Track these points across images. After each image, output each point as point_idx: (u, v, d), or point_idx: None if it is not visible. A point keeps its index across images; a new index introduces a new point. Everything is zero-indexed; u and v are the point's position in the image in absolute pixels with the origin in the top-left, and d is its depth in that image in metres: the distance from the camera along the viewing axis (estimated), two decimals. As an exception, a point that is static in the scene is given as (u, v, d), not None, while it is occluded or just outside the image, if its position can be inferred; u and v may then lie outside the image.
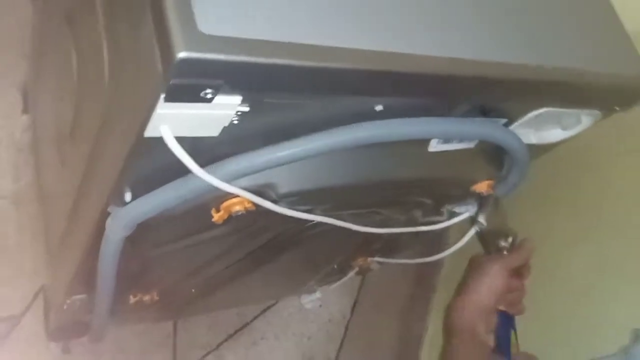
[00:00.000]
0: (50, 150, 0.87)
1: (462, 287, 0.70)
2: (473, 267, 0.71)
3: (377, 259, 0.96)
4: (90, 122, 0.56)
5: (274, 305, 1.25)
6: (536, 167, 0.72)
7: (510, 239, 0.74)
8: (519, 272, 0.72)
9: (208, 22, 0.35)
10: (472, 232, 0.76)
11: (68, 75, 0.66)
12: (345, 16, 0.43)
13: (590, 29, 0.63)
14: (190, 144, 0.43)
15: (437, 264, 1.46)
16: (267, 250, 0.72)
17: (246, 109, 0.42)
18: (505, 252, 0.72)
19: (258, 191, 0.52)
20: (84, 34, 0.56)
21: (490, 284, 0.69)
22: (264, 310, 1.24)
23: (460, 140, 0.62)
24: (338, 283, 1.09)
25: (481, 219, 0.74)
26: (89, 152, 0.55)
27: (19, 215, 1.05)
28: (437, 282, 1.45)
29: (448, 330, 0.69)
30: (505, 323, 0.72)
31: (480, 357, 0.67)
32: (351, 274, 1.03)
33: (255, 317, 1.23)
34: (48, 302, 0.94)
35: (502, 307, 0.72)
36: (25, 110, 1.09)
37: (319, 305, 1.19)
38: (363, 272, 1.07)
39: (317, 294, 1.16)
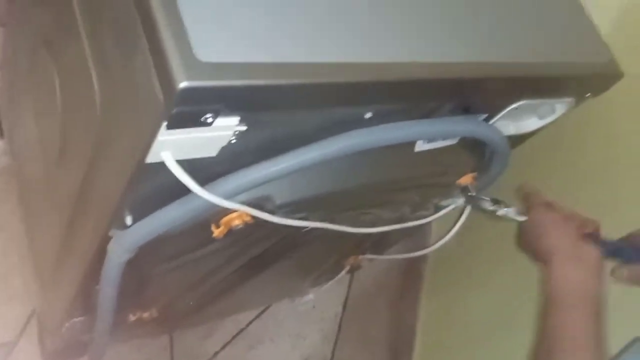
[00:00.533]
0: (34, 172, 0.86)
1: (542, 256, 0.65)
2: (530, 235, 0.69)
3: (367, 256, 0.98)
4: (81, 149, 0.56)
5: (268, 308, 1.26)
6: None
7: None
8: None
9: (205, 50, 0.36)
10: (466, 213, 0.79)
11: (50, 100, 0.65)
12: (332, 32, 0.45)
13: (557, 22, 0.66)
14: (188, 163, 0.45)
15: (419, 276, 1.47)
16: (263, 259, 0.73)
17: (244, 128, 0.43)
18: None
19: (256, 204, 0.53)
20: (68, 61, 0.56)
21: (561, 231, 0.66)
22: (259, 315, 1.25)
23: (444, 139, 0.65)
24: (330, 283, 1.11)
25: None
26: (83, 178, 0.56)
27: (3, 241, 1.04)
28: (424, 270, 1.48)
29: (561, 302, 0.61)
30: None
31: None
32: (342, 273, 1.05)
33: (250, 322, 1.24)
34: (42, 326, 0.93)
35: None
36: (0, 135, 1.08)
37: (312, 307, 1.20)
38: (354, 269, 1.09)
39: (310, 296, 1.18)
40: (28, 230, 0.99)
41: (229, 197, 0.48)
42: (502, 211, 0.74)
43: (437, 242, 0.84)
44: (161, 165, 0.43)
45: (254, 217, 0.55)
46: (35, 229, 0.92)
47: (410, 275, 1.49)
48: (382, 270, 1.50)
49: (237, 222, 0.54)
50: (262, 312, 1.25)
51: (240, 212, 0.53)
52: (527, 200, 0.74)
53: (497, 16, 0.60)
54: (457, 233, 0.85)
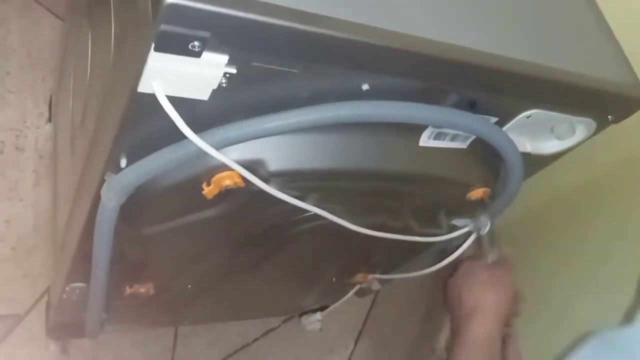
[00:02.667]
0: (65, 152, 0.91)
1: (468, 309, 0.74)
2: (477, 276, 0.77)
3: (377, 275, 0.96)
4: (97, 101, 0.59)
5: (276, 328, 1.24)
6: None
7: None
8: None
9: (198, -24, 0.39)
10: (471, 238, 0.77)
11: (83, 75, 0.70)
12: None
13: (583, 36, 0.66)
14: (182, 112, 0.46)
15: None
16: (259, 248, 0.73)
17: (233, 70, 0.44)
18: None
19: (248, 167, 0.54)
20: (99, 20, 0.60)
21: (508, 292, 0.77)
22: (265, 333, 1.23)
23: (452, 139, 0.64)
24: (338, 303, 1.08)
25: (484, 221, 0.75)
26: (92, 129, 0.59)
27: (34, 218, 1.09)
28: (446, 322, 1.43)
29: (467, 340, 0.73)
30: None
31: None
32: (352, 292, 1.03)
33: (256, 339, 1.22)
34: (50, 300, 0.96)
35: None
36: (49, 120, 1.15)
37: (319, 328, 1.18)
38: (364, 292, 1.06)
39: (318, 316, 1.15)
40: (54, 210, 1.04)
41: (217, 146, 0.49)
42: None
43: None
44: (154, 103, 0.45)
45: (245, 182, 0.55)
46: (59, 207, 0.96)
47: (430, 324, 1.45)
48: (400, 315, 1.46)
49: (227, 182, 0.55)
50: (270, 330, 1.23)
51: (231, 172, 0.54)
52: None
53: (520, 14, 0.61)
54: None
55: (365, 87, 0.51)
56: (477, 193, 0.72)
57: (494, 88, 0.57)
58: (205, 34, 0.40)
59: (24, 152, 1.14)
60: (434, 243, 0.80)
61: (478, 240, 0.78)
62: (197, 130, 0.48)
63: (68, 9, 0.96)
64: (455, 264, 0.82)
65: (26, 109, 1.18)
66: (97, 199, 0.56)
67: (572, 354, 0.64)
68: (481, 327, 0.73)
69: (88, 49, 0.67)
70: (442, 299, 0.85)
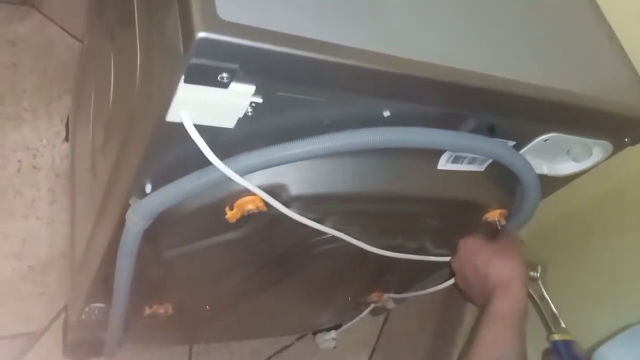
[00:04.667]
0: (84, 172, 0.92)
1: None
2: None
3: (392, 295, 0.96)
4: (121, 126, 0.60)
5: (289, 346, 1.24)
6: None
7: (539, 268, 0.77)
8: None
9: (227, 10, 0.40)
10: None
11: (105, 97, 0.71)
12: (359, 18, 0.47)
13: (598, 58, 0.66)
14: (208, 139, 0.47)
15: (458, 318, 1.43)
16: (278, 269, 0.73)
17: (259, 100, 0.45)
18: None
19: (270, 191, 0.55)
20: (123, 42, 0.62)
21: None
22: (279, 351, 1.23)
23: (470, 162, 0.65)
24: (353, 321, 1.08)
25: None
26: (117, 152, 0.60)
27: (51, 236, 1.10)
28: (457, 337, 1.43)
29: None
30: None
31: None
32: (366, 311, 1.03)
33: (270, 357, 1.22)
34: (68, 319, 0.96)
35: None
36: (66, 139, 1.17)
37: (333, 347, 1.17)
38: (379, 311, 1.06)
39: (332, 334, 1.15)
40: (71, 229, 1.05)
41: (242, 172, 0.50)
42: None
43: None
44: (181, 130, 0.46)
45: (267, 206, 0.56)
46: (77, 225, 0.97)
47: (442, 341, 1.44)
48: (413, 331, 1.45)
49: (250, 207, 0.55)
50: (283, 348, 1.23)
51: (254, 197, 0.55)
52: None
53: (535, 39, 0.62)
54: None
55: (386, 113, 0.52)
56: (493, 215, 0.72)
57: (512, 113, 0.58)
58: (233, 65, 0.41)
59: (40, 171, 1.15)
60: (449, 262, 0.81)
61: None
62: (221, 156, 0.49)
63: (88, 29, 0.97)
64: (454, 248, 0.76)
65: (42, 128, 1.20)
66: (121, 222, 0.57)
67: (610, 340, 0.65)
68: (506, 301, 0.65)
69: (111, 72, 0.69)
70: (457, 289, 0.77)
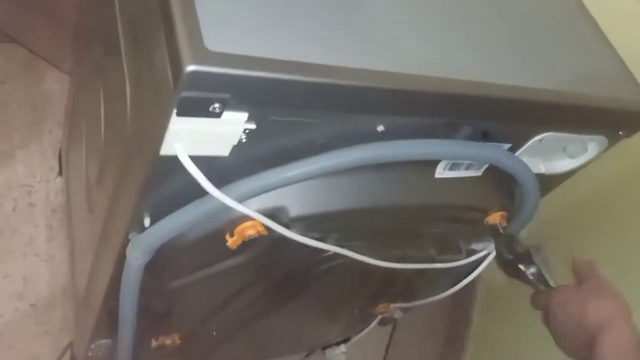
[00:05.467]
0: (79, 206, 0.92)
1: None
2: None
3: (398, 304, 0.96)
4: (115, 161, 0.60)
5: (299, 363, 1.24)
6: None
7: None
8: None
9: (214, 41, 0.40)
10: (488, 260, 0.77)
11: (96, 130, 0.71)
12: (345, 36, 0.47)
13: (586, 55, 0.67)
14: (203, 168, 0.47)
15: (467, 322, 1.43)
16: (284, 289, 0.73)
17: (253, 126, 0.45)
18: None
19: (270, 215, 0.54)
20: (111, 76, 0.61)
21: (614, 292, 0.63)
22: (289, 368, 1.22)
23: (467, 168, 0.64)
24: (362, 334, 1.07)
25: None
26: (112, 187, 0.59)
27: (50, 273, 1.09)
28: (467, 340, 1.42)
29: None
30: None
31: None
32: (374, 323, 1.02)
33: (280, 376, 1.21)
34: (74, 356, 0.95)
35: None
36: (60, 173, 1.16)
37: (344, 360, 1.17)
38: (386, 321, 1.05)
39: (342, 348, 1.14)
40: (71, 264, 1.04)
41: (240, 199, 0.50)
42: (532, 268, 0.66)
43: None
44: (176, 163, 0.46)
45: (267, 229, 0.56)
46: (77, 260, 0.96)
47: (452, 345, 1.44)
48: (422, 337, 1.45)
49: (250, 232, 0.55)
50: (293, 365, 1.22)
51: (253, 222, 0.55)
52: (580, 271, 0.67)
53: (522, 41, 0.62)
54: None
55: (380, 128, 0.52)
56: (494, 217, 0.72)
57: (506, 117, 0.58)
58: (225, 95, 0.41)
59: (36, 207, 1.15)
60: (454, 268, 0.80)
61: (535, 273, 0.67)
62: (217, 183, 0.49)
63: (75, 63, 0.97)
64: (543, 314, 0.68)
65: (36, 163, 1.20)
66: (121, 258, 0.57)
67: None
68: (611, 341, 0.59)
69: (101, 107, 0.68)
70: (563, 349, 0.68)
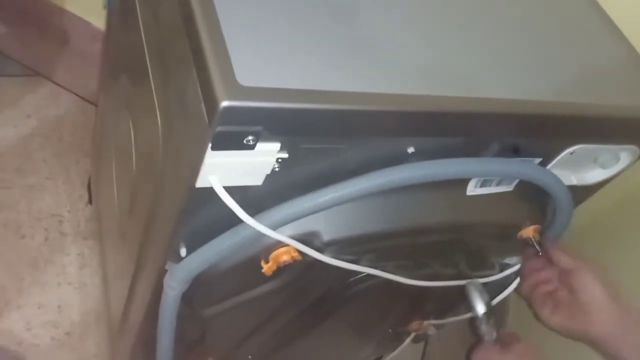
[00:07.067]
0: (111, 233, 0.93)
1: None
2: None
3: (432, 321, 0.95)
4: (147, 193, 0.61)
5: (332, 382, 1.22)
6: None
7: None
8: None
9: (246, 76, 0.40)
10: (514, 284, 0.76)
11: (126, 160, 0.72)
12: (371, 63, 0.47)
13: (613, 65, 0.66)
14: (237, 197, 0.47)
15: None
16: (317, 311, 0.73)
17: (285, 155, 0.46)
18: None
19: (303, 240, 0.55)
20: (141, 111, 0.62)
21: None
22: (322, 388, 1.21)
23: (498, 183, 0.64)
24: (396, 352, 1.06)
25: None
26: (147, 217, 0.60)
27: (84, 301, 1.10)
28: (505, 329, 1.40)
29: None
30: None
31: None
32: (408, 340, 1.01)
33: (314, 396, 1.20)
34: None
35: None
36: (89, 201, 1.18)
37: (377, 379, 1.16)
38: (420, 338, 1.04)
39: (375, 366, 1.13)
40: (105, 291, 1.05)
41: (274, 227, 0.50)
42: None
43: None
44: (211, 195, 0.46)
45: (301, 254, 0.56)
46: (110, 287, 0.98)
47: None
48: (454, 352, 1.43)
49: (285, 258, 0.55)
50: (327, 385, 1.21)
51: (288, 247, 0.55)
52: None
53: (549, 55, 0.62)
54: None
55: (410, 150, 0.52)
56: (527, 231, 0.71)
57: (537, 133, 0.57)
58: (258, 128, 0.41)
59: (67, 237, 1.17)
60: (487, 283, 0.79)
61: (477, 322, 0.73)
62: (251, 212, 0.49)
63: (102, 94, 0.99)
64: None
65: (64, 194, 1.22)
66: (158, 288, 0.57)
67: None
68: None
69: (131, 137, 0.69)
70: None
